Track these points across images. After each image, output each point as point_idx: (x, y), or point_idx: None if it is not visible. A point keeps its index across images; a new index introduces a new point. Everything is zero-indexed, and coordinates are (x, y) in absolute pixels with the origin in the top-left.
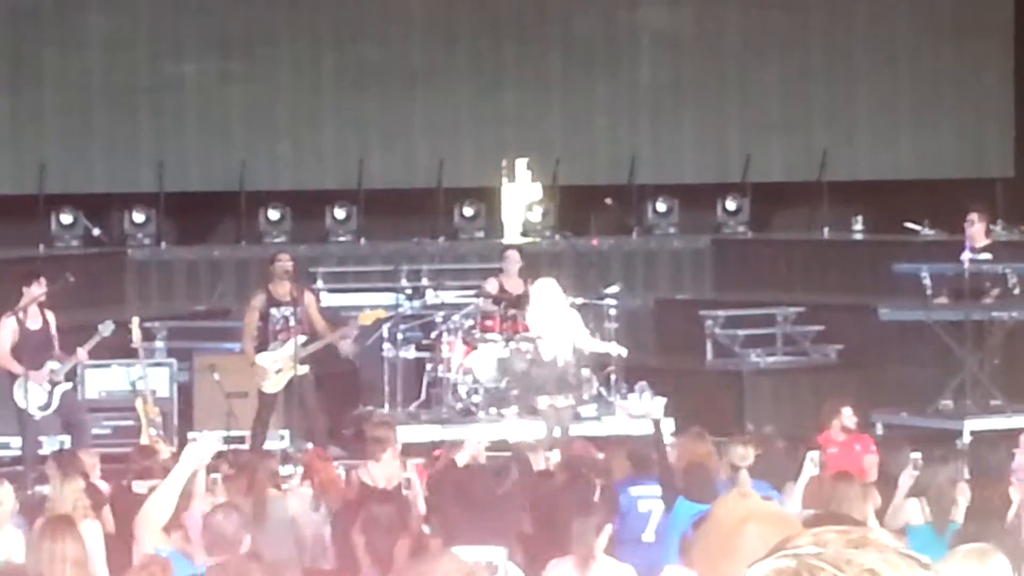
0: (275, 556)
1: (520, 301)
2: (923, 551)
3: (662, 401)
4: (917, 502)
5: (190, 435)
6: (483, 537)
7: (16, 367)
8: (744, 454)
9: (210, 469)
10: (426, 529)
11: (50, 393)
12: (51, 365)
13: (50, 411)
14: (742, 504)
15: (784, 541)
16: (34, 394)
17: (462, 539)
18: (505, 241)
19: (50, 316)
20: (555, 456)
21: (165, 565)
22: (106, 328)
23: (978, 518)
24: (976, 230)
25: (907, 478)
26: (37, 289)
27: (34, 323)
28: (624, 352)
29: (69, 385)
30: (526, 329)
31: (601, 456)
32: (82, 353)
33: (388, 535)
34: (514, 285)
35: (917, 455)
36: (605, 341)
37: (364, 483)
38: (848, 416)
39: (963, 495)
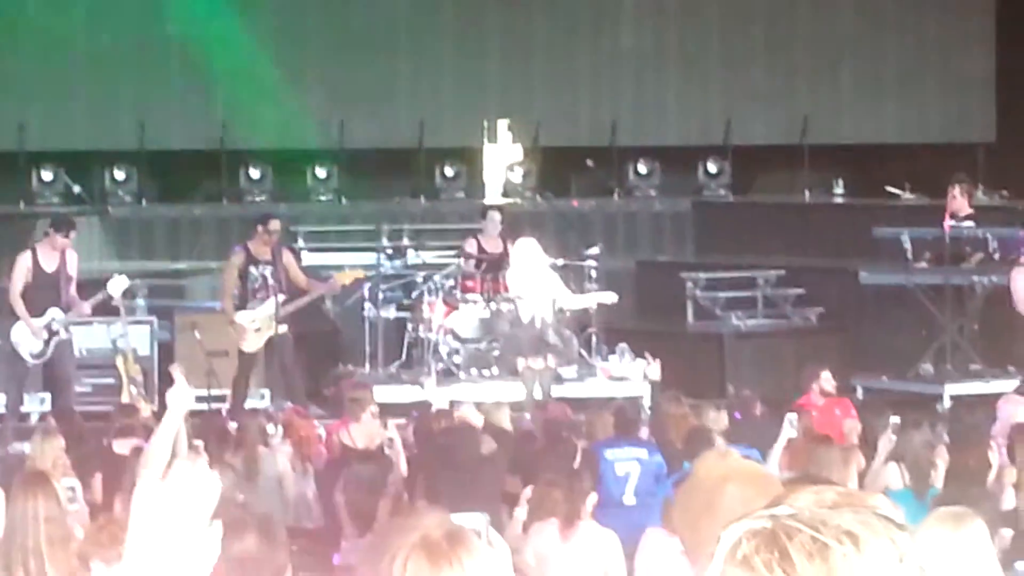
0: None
1: (500, 261)
2: (904, 516)
3: (643, 363)
4: (896, 466)
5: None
6: (466, 499)
7: (20, 309)
8: (716, 418)
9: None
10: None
11: (46, 342)
12: (52, 313)
13: (42, 360)
14: (722, 463)
15: (769, 504)
16: (29, 340)
17: (444, 501)
18: (486, 202)
19: (72, 258)
20: (533, 418)
21: (124, 523)
22: (115, 286)
23: (957, 482)
24: (959, 203)
25: (886, 442)
26: (61, 238)
27: (49, 265)
28: (614, 297)
29: (66, 336)
30: (507, 289)
31: (582, 418)
32: (86, 307)
33: (370, 495)
34: (494, 245)
35: (896, 419)
36: (588, 293)
37: (344, 444)
38: (827, 380)
39: (942, 459)
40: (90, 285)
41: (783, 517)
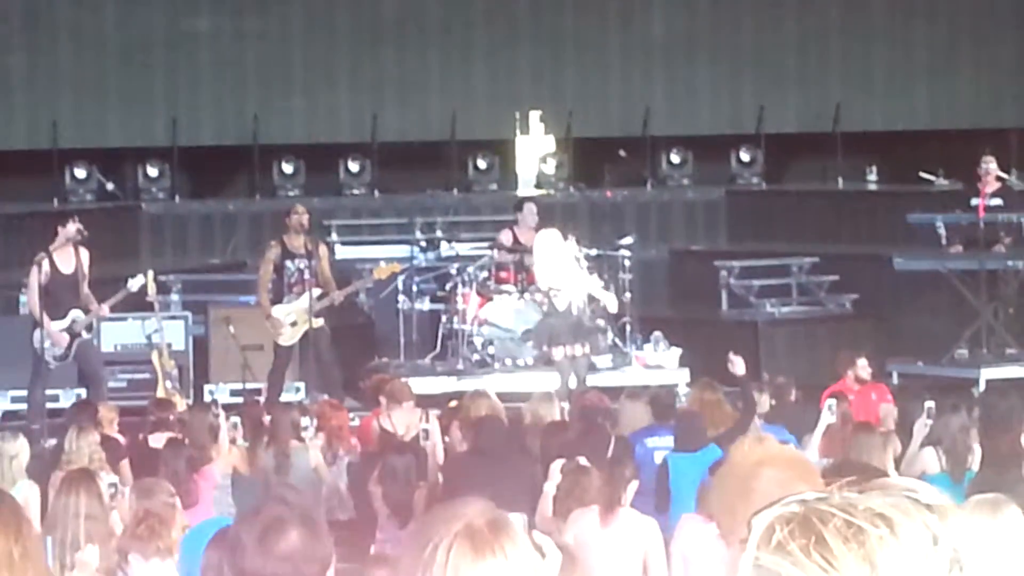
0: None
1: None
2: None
3: (677, 352)
4: (933, 451)
5: (206, 387)
6: (504, 492)
7: (40, 315)
8: (759, 400)
9: (229, 417)
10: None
11: (68, 345)
12: (73, 315)
13: (66, 361)
14: (758, 448)
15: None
16: (51, 343)
17: (479, 493)
18: (519, 193)
19: (84, 255)
20: (570, 407)
21: (163, 518)
22: (135, 284)
23: (992, 466)
24: (990, 173)
25: (922, 427)
26: (72, 226)
27: (66, 266)
28: (614, 306)
29: (88, 336)
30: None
31: (616, 407)
32: (104, 308)
33: (406, 486)
34: (528, 237)
35: (931, 404)
36: (605, 291)
37: (384, 429)
38: (863, 366)
39: (976, 443)
40: (124, 282)
41: (813, 501)
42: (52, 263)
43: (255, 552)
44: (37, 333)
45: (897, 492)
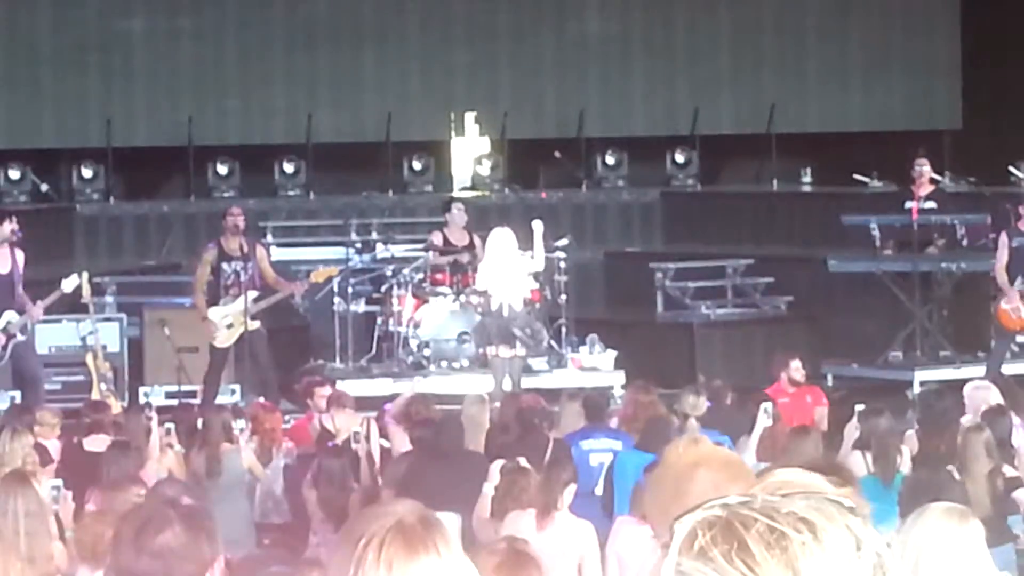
0: (230, 510)
1: (466, 253)
2: (872, 502)
3: (613, 354)
4: (860, 454)
5: (141, 390)
6: (445, 493)
7: None
8: (695, 403)
9: (162, 422)
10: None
11: (3, 346)
12: (8, 316)
13: (1, 363)
14: (693, 449)
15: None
16: None
17: (422, 496)
18: (454, 195)
19: (20, 256)
20: (503, 407)
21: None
22: (69, 284)
23: (925, 467)
24: (924, 175)
25: (851, 430)
26: (7, 226)
27: (3, 267)
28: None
29: (23, 338)
30: (475, 282)
31: (555, 409)
32: (37, 310)
33: (341, 489)
34: (459, 237)
35: (860, 407)
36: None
37: (326, 428)
38: (796, 368)
39: (910, 445)
40: (59, 284)
41: (736, 506)
42: None
43: (129, 547)
44: None
45: (818, 495)
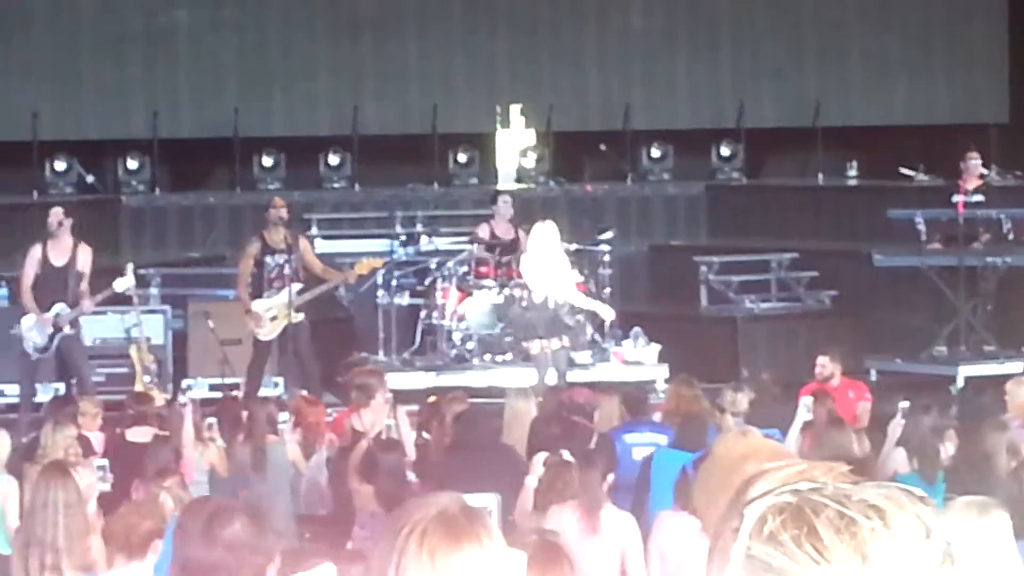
0: (274, 503)
1: (512, 247)
2: None
3: (657, 348)
4: (903, 451)
5: (184, 382)
6: (483, 483)
7: (30, 304)
8: (735, 399)
9: (206, 415)
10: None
11: (51, 336)
12: (57, 308)
13: (47, 355)
14: (742, 442)
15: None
16: (34, 334)
17: (460, 485)
18: (499, 187)
19: (84, 252)
20: (547, 400)
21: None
22: (121, 284)
23: (969, 465)
24: (972, 168)
25: (895, 427)
26: (54, 218)
27: (59, 259)
28: (612, 316)
29: (72, 331)
30: (520, 275)
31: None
32: (88, 305)
33: (400, 483)
34: (505, 231)
35: (905, 404)
36: (598, 301)
37: (356, 429)
38: (821, 365)
39: (951, 442)
40: (104, 275)
41: (807, 492)
42: (44, 253)
43: (199, 540)
44: (22, 322)
45: (890, 484)
